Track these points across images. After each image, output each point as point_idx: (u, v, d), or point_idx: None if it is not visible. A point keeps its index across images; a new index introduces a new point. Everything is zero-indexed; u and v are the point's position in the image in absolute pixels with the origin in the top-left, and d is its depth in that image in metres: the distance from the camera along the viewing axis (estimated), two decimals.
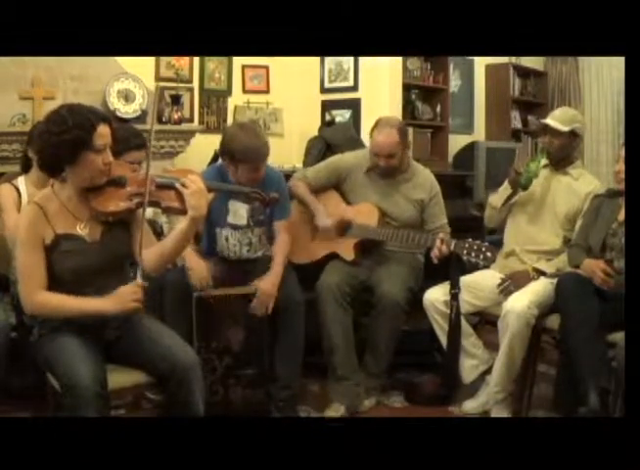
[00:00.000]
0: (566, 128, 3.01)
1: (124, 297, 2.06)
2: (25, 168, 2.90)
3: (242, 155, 2.78)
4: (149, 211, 3.13)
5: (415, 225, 3.20)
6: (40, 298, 2.09)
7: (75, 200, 2.15)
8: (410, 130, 5.03)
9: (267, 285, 2.82)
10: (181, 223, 2.14)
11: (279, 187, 2.97)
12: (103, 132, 2.07)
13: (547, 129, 3.06)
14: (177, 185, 2.11)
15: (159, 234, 2.97)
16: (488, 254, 2.76)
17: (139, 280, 2.07)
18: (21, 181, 2.84)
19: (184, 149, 4.23)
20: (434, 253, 2.86)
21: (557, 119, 3.04)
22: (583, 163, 6.45)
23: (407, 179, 3.23)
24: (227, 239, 3.00)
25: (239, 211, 2.97)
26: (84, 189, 2.13)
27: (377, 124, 3.16)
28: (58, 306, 2.09)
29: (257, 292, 2.81)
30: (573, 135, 3.05)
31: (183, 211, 2.12)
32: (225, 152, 2.86)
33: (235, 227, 2.99)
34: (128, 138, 2.78)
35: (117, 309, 2.07)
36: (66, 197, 2.15)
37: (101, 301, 2.08)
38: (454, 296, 2.96)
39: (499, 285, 2.95)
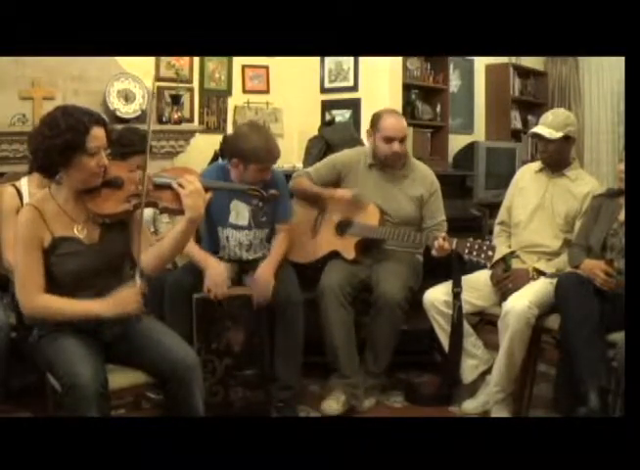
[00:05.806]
0: (558, 135, 2.98)
1: (123, 300, 2.05)
2: (32, 170, 2.90)
3: (254, 155, 2.76)
4: (149, 213, 3.15)
5: (415, 223, 3.20)
6: (39, 301, 2.08)
7: (72, 202, 2.14)
8: (410, 130, 5.06)
9: (263, 270, 2.84)
10: (179, 224, 2.12)
11: (282, 188, 2.96)
12: (97, 135, 2.05)
13: (540, 136, 3.04)
14: (174, 185, 2.09)
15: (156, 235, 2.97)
16: (490, 253, 2.75)
17: (138, 283, 2.06)
18: (23, 182, 2.84)
19: (184, 149, 4.23)
20: (436, 248, 2.84)
21: (549, 126, 3.01)
22: (583, 163, 6.48)
23: (406, 175, 3.22)
24: (228, 239, 3.00)
25: (241, 212, 2.96)
26: (80, 191, 2.12)
27: (380, 115, 3.19)
28: (56, 310, 2.08)
29: (255, 278, 2.83)
30: (567, 139, 3.03)
31: (181, 212, 2.10)
32: (235, 152, 2.82)
33: (236, 227, 2.98)
34: (135, 142, 2.78)
35: (116, 313, 2.05)
36: (62, 199, 2.13)
37: (99, 303, 2.07)
38: (457, 295, 2.95)
39: (498, 282, 2.95)
